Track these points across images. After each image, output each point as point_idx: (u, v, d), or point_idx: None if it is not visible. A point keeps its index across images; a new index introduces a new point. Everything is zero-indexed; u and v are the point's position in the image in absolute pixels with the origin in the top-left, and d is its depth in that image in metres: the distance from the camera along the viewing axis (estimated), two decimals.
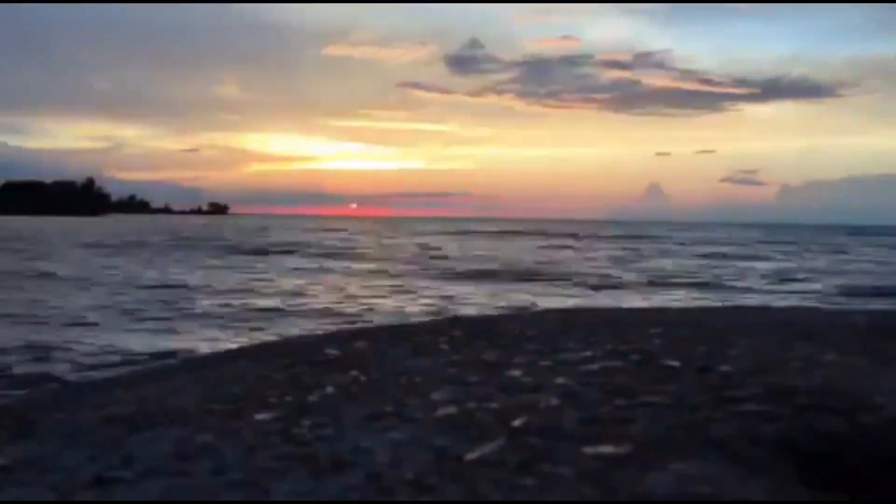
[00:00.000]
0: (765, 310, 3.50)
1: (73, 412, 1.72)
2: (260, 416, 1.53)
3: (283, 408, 1.58)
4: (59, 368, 8.04)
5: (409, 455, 1.25)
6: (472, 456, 1.23)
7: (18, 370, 7.99)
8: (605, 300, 16.31)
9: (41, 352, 8.87)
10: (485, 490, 1.11)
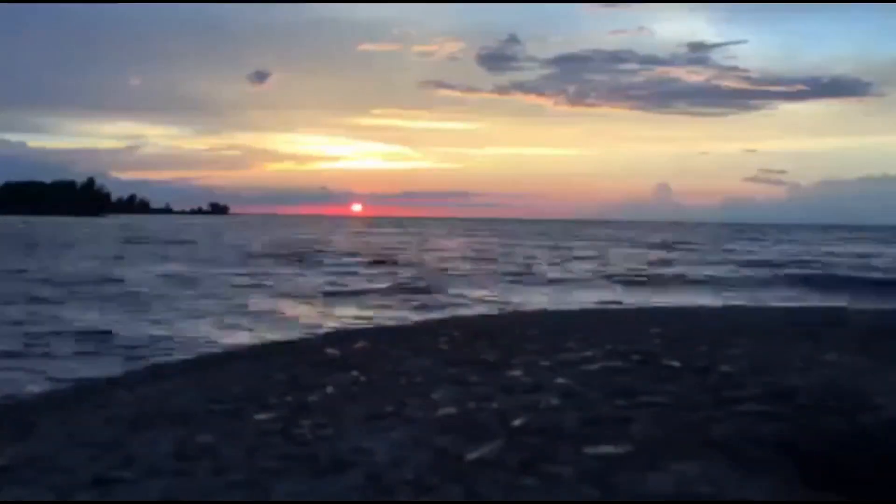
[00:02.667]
0: (765, 310, 3.51)
1: (73, 412, 1.72)
2: (260, 416, 1.53)
3: (283, 408, 1.58)
4: None
5: (409, 455, 1.25)
6: (472, 456, 1.23)
7: None
8: None
9: None
10: (485, 490, 1.11)
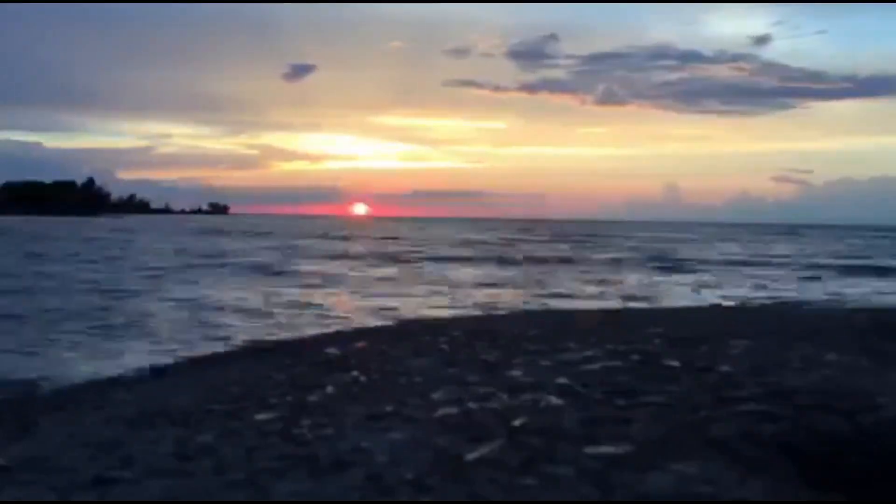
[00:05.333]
0: (765, 310, 3.52)
1: (73, 412, 1.72)
2: (260, 416, 1.53)
3: (283, 408, 1.58)
4: None
5: (409, 455, 1.25)
6: (472, 456, 1.23)
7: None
8: None
9: None
10: (485, 490, 1.11)
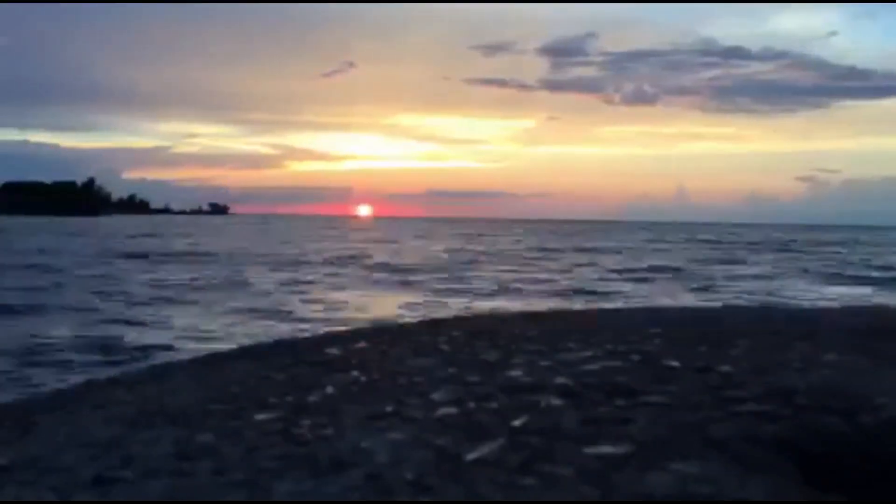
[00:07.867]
0: (765, 310, 3.52)
1: (73, 412, 1.72)
2: (260, 416, 1.53)
3: (283, 408, 1.58)
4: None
5: (409, 455, 1.25)
6: (472, 456, 1.23)
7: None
8: None
9: None
10: (485, 490, 1.11)
